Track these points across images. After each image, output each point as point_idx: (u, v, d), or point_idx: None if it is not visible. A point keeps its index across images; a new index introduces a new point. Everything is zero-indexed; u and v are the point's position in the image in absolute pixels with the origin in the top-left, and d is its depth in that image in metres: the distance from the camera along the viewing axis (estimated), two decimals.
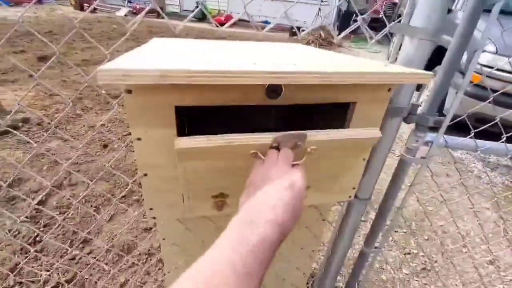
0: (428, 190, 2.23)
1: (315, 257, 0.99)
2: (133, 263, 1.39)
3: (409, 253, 1.66)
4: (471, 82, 2.32)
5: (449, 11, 2.92)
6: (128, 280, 1.30)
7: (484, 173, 2.53)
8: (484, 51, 1.64)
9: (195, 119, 0.66)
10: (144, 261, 1.41)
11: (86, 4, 9.00)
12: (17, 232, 1.47)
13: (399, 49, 0.62)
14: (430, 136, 0.73)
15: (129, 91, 0.45)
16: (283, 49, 0.84)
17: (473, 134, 0.79)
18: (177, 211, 0.60)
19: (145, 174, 0.54)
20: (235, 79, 0.40)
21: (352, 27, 0.76)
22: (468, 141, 0.79)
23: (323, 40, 7.65)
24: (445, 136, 0.73)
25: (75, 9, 8.97)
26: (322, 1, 9.28)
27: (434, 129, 0.72)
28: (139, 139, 0.49)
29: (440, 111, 2.13)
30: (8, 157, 1.96)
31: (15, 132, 0.84)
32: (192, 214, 0.62)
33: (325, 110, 0.63)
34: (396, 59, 0.63)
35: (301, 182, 0.39)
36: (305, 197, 0.39)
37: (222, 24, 9.18)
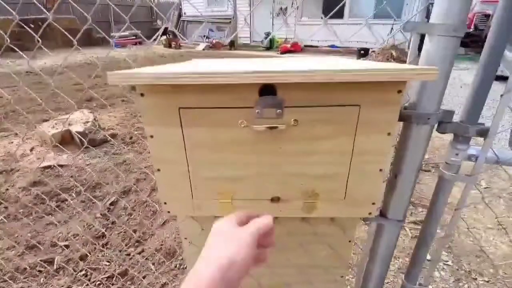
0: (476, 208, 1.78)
1: (344, 284, 0.89)
2: (175, 266, 1.48)
3: None
4: None
5: None
6: (168, 283, 1.39)
7: None
8: None
9: None
10: (184, 266, 1.49)
11: (173, 43, 10.63)
12: (92, 226, 1.76)
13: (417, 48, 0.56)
14: (474, 149, 0.62)
15: (142, 94, 0.53)
16: (313, 60, 0.85)
17: None
18: (187, 207, 0.65)
19: (158, 170, 0.61)
20: (216, 79, 0.44)
21: None
22: None
23: (394, 60, 7.17)
24: (494, 149, 0.61)
25: (165, 47, 10.67)
26: (395, 20, 8.81)
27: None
28: (151, 136, 0.57)
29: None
30: (97, 164, 2.39)
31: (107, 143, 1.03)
32: (200, 212, 0.65)
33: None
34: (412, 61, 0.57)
35: (242, 259, 0.38)
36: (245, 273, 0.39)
37: (288, 51, 9.57)
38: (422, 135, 0.61)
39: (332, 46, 9.84)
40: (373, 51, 8.33)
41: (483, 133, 0.59)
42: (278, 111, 0.52)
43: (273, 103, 0.52)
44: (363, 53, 8.33)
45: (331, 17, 9.49)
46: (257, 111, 0.52)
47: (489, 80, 0.56)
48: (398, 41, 8.13)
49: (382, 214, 0.73)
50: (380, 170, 0.59)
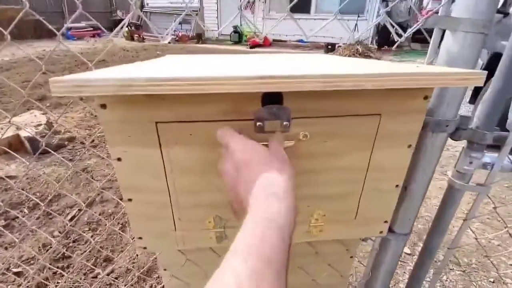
0: (493, 219, 1.88)
1: None
2: (151, 286, 1.33)
3: None
4: None
5: (506, 14, 2.59)
6: None
7: None
8: None
9: None
10: (162, 285, 1.35)
11: (136, 35, 9.98)
12: (49, 247, 1.53)
13: (438, 47, 0.49)
14: (489, 156, 0.57)
15: (103, 106, 0.39)
16: (301, 58, 0.76)
17: None
18: (169, 241, 0.52)
19: (130, 199, 0.48)
20: (212, 87, 0.32)
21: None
22: None
23: (360, 55, 7.40)
24: (511, 156, 0.56)
25: (127, 39, 9.98)
26: (359, 16, 9.06)
27: (494, 148, 0.56)
28: (119, 159, 0.44)
29: (502, 126, 1.82)
30: (52, 173, 2.11)
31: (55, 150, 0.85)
32: (186, 246, 0.54)
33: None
34: (432, 61, 0.50)
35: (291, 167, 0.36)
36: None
37: (257, 46, 9.44)
38: (437, 145, 0.55)
39: (300, 41, 9.89)
40: (339, 46, 8.53)
41: (501, 140, 0.54)
42: (285, 123, 0.42)
43: (279, 114, 0.41)
44: (330, 48, 8.47)
45: (299, 12, 9.53)
46: (258, 124, 0.42)
47: (510, 88, 0.50)
48: (363, 36, 8.42)
49: (389, 228, 0.67)
50: (396, 186, 0.52)
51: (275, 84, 0.33)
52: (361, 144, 0.46)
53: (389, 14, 8.95)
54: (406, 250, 1.67)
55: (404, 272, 1.55)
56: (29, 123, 2.45)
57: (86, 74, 0.33)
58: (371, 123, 0.44)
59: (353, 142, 0.45)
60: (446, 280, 1.48)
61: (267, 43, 9.76)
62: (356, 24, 9.26)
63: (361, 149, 0.46)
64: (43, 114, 2.65)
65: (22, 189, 1.95)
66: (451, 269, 1.56)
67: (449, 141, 0.56)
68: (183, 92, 0.31)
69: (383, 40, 8.70)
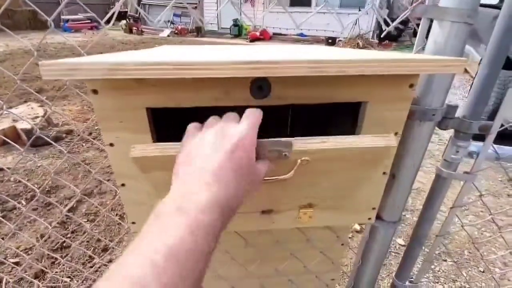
0: (485, 212, 1.91)
1: None
2: None
3: None
4: None
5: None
6: None
7: None
8: None
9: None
10: None
11: (134, 28, 9.88)
12: (47, 237, 1.55)
13: (426, 37, 0.50)
14: (475, 145, 0.58)
15: (95, 91, 0.40)
16: (295, 48, 0.76)
17: None
18: None
19: (123, 185, 0.49)
20: (200, 72, 0.33)
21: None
22: None
23: (360, 49, 7.37)
24: (495, 145, 0.57)
25: (125, 32, 9.88)
26: (359, 10, 8.99)
27: (480, 137, 0.57)
28: (111, 144, 0.45)
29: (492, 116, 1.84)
30: (50, 166, 2.12)
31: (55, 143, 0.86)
32: None
33: (330, 112, 0.53)
34: (419, 51, 0.51)
35: (247, 140, 0.31)
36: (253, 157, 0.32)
37: (257, 39, 9.38)
38: (424, 133, 0.56)
39: (301, 34, 9.83)
40: (340, 40, 8.48)
41: (486, 129, 0.55)
42: (284, 154, 0.38)
43: (276, 148, 0.37)
44: (330, 42, 8.43)
45: (299, 6, 9.45)
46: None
47: (495, 76, 0.51)
48: (364, 30, 8.37)
49: (377, 216, 0.68)
50: (384, 173, 0.53)
51: (261, 70, 0.34)
52: (348, 132, 0.47)
53: (390, 8, 8.89)
54: (401, 242, 1.70)
55: (398, 263, 1.58)
56: (26, 115, 2.45)
57: (77, 59, 0.33)
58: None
59: (339, 129, 0.46)
60: (439, 271, 1.51)
61: (267, 37, 9.69)
62: (357, 19, 9.20)
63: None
64: (40, 106, 2.64)
65: (19, 181, 1.96)
66: (443, 260, 1.59)
67: (445, 135, 0.57)
68: (169, 76, 0.32)
69: (385, 34, 8.63)
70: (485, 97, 0.54)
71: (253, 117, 0.34)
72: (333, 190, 0.50)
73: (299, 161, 0.39)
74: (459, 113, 0.57)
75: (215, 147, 0.30)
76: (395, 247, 1.66)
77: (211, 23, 11.67)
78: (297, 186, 0.50)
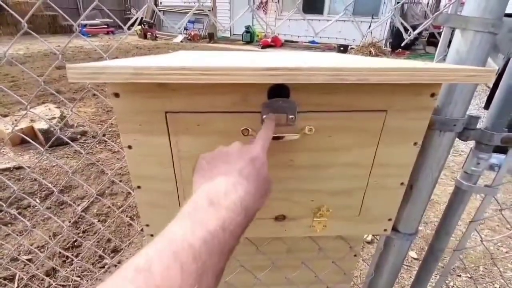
0: (502, 226, 1.84)
1: None
2: None
3: None
4: None
5: None
6: None
7: None
8: None
9: None
10: None
11: (149, 33, 10.13)
12: (60, 235, 1.57)
13: (448, 46, 0.49)
14: (496, 158, 0.56)
15: (116, 95, 0.41)
16: (310, 55, 0.76)
17: None
18: None
19: (139, 187, 0.49)
20: (222, 77, 0.33)
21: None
22: None
23: (373, 57, 7.31)
24: None
25: (139, 37, 10.13)
26: (372, 18, 8.95)
27: (502, 149, 0.55)
28: (129, 147, 0.45)
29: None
30: (64, 166, 2.17)
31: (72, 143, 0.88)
32: None
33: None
34: (441, 61, 0.50)
35: (261, 155, 0.35)
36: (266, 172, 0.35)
37: (268, 46, 9.45)
38: (444, 144, 0.54)
39: (312, 42, 9.85)
40: (352, 48, 8.45)
41: (509, 141, 0.53)
42: (290, 116, 0.42)
43: (285, 107, 0.42)
44: (342, 49, 8.40)
45: (311, 13, 9.49)
46: (264, 116, 0.43)
47: None
48: (376, 39, 8.31)
49: (393, 227, 0.67)
50: (402, 183, 0.52)
51: (282, 76, 0.34)
52: (366, 140, 0.46)
53: (404, 16, 8.82)
54: (413, 255, 1.65)
55: (410, 277, 1.52)
56: (43, 116, 2.52)
57: (101, 62, 0.34)
58: (377, 119, 0.44)
59: (358, 137, 0.46)
60: (453, 286, 1.46)
61: (278, 44, 9.75)
62: (369, 26, 9.15)
63: (366, 145, 0.46)
64: (56, 107, 2.72)
65: (34, 180, 2.01)
66: (458, 275, 1.53)
67: (462, 147, 0.56)
68: (191, 81, 0.32)
69: (398, 42, 8.54)
70: (509, 108, 0.52)
71: (265, 139, 0.37)
72: (346, 196, 0.50)
73: (306, 129, 0.43)
74: (480, 124, 0.55)
75: (240, 154, 0.34)
76: (408, 260, 1.61)
77: (226, 30, 11.82)
78: (310, 189, 0.50)
